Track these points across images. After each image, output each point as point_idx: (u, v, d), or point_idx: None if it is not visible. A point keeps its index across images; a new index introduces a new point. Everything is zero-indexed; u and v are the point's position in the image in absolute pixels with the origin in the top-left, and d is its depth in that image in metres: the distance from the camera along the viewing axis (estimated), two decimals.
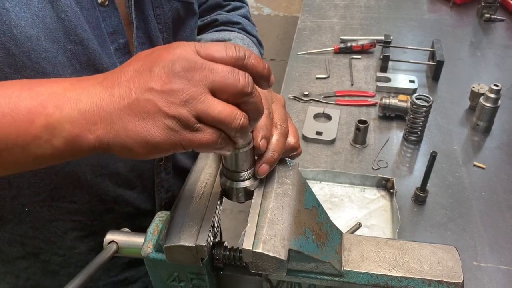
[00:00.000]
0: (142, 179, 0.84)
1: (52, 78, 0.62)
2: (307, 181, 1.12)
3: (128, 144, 0.46)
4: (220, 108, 0.45)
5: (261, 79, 0.49)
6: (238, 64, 0.47)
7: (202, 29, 0.99)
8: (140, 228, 0.75)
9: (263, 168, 0.56)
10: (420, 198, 1.06)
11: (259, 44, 1.03)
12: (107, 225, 0.83)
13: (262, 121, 0.57)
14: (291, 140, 0.63)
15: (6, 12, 0.58)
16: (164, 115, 0.44)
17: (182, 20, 0.83)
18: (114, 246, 0.64)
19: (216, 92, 0.45)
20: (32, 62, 0.61)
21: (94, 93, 0.47)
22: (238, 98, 0.46)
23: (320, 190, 1.10)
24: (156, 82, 0.44)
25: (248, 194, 0.58)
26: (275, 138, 0.59)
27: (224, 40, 0.95)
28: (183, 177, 0.89)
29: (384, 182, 1.09)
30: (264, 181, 0.60)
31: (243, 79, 0.46)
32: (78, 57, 0.65)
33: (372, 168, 1.18)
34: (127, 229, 0.67)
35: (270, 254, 0.51)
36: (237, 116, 0.46)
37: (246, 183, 0.57)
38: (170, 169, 0.89)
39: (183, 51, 0.45)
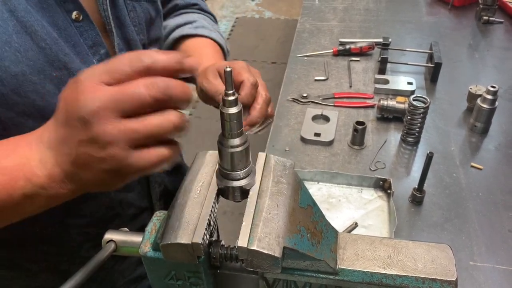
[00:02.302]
0: (139, 180, 0.87)
1: (42, 107, 0.63)
2: (305, 181, 1.13)
3: (93, 187, 0.54)
4: (145, 123, 0.48)
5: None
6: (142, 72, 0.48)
7: (165, 16, 1.03)
8: (142, 226, 0.80)
9: (245, 129, 0.65)
10: (417, 198, 1.07)
11: (215, 19, 1.10)
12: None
13: (250, 90, 0.75)
14: (270, 109, 0.81)
15: None
16: (99, 160, 0.48)
17: (152, 20, 0.85)
18: (112, 245, 0.65)
19: (130, 115, 0.47)
20: (22, 97, 0.62)
21: (49, 157, 0.51)
22: (153, 106, 0.48)
23: (318, 190, 1.11)
24: (80, 134, 0.47)
25: (244, 193, 0.59)
26: (259, 105, 0.76)
27: (189, 22, 1.01)
28: (175, 170, 0.99)
29: (381, 182, 1.10)
30: (260, 180, 0.61)
31: (142, 91, 0.46)
32: (65, 81, 0.61)
33: (370, 169, 1.19)
34: (126, 228, 0.68)
35: (265, 251, 0.52)
36: (163, 121, 0.48)
37: (242, 182, 0.58)
38: None
39: (87, 93, 0.46)
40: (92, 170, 0.49)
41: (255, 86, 0.79)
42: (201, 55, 0.96)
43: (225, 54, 1.03)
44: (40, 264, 0.86)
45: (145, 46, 0.83)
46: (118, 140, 0.47)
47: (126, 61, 0.47)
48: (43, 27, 0.62)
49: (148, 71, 0.47)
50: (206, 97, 0.85)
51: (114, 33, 0.74)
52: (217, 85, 0.82)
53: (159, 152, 0.50)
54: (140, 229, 0.77)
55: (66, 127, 0.48)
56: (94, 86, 0.46)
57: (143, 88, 0.46)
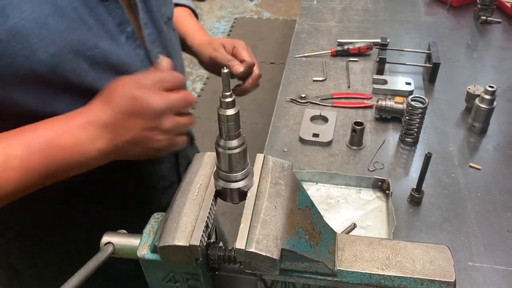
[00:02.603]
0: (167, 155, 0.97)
1: (77, 85, 0.69)
2: (304, 182, 1.13)
3: (137, 158, 0.71)
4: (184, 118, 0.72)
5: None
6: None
7: None
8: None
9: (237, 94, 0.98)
10: (415, 199, 1.07)
11: None
12: (151, 204, 0.96)
13: (247, 69, 1.00)
14: (257, 71, 1.04)
15: (27, 38, 0.61)
16: (156, 142, 0.69)
17: None
18: (110, 247, 0.65)
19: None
20: (58, 76, 0.66)
21: (103, 136, 0.66)
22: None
23: (317, 191, 1.11)
24: (148, 123, 0.67)
25: (242, 195, 0.59)
26: (253, 81, 1.03)
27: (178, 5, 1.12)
28: (192, 143, 1.15)
29: (380, 183, 1.10)
30: (258, 181, 0.61)
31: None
32: (97, 60, 0.70)
33: (368, 169, 1.19)
34: (124, 231, 0.68)
35: (263, 253, 0.52)
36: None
37: (240, 184, 0.58)
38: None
39: (156, 96, 0.67)
40: (144, 148, 0.68)
41: (252, 65, 1.02)
42: (186, 27, 1.11)
43: (196, 15, 1.18)
44: (79, 244, 0.87)
45: (165, 21, 0.88)
46: (173, 129, 0.69)
47: (168, 77, 0.71)
48: (75, 8, 0.66)
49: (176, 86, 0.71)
50: (214, 65, 1.03)
51: (139, 7, 0.77)
52: (225, 54, 1.02)
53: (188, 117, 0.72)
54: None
55: (133, 116, 0.66)
56: (158, 92, 0.68)
57: (183, 95, 0.70)
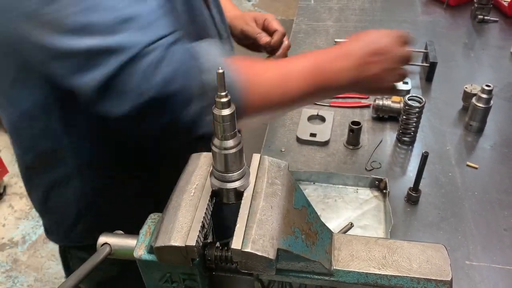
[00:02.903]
0: None
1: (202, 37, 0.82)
2: (301, 182, 1.13)
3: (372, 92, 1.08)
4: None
5: None
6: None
7: None
8: None
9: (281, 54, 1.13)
10: (412, 198, 1.07)
11: None
12: None
13: (280, 38, 1.11)
14: (287, 42, 1.14)
15: None
16: (390, 73, 0.87)
17: None
18: (107, 248, 0.65)
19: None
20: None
21: (355, 71, 0.84)
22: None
23: (314, 191, 1.11)
24: (390, 64, 0.86)
25: (238, 195, 0.59)
26: (283, 50, 1.13)
27: None
28: None
29: (377, 182, 1.10)
30: (254, 181, 0.61)
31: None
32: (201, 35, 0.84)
33: (366, 169, 1.19)
34: (121, 231, 0.68)
35: (259, 253, 0.52)
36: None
37: (236, 184, 0.58)
38: None
39: (398, 48, 0.87)
40: (378, 84, 0.87)
41: (283, 35, 1.13)
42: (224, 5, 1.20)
43: None
44: (160, 180, 0.89)
45: None
46: (401, 76, 0.89)
47: (404, 35, 0.89)
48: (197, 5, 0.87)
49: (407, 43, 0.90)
50: (245, 38, 1.14)
51: None
52: (255, 28, 1.13)
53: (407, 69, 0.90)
54: None
55: (379, 57, 0.84)
56: (399, 44, 0.87)
57: (411, 52, 0.89)
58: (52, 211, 1.00)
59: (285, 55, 1.14)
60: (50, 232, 1.05)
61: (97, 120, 0.78)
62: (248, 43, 1.15)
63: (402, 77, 0.90)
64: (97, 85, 0.66)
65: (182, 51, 0.70)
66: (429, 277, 0.59)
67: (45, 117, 0.82)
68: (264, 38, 1.12)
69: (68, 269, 1.12)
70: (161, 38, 0.68)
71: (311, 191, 1.11)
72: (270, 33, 1.14)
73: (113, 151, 0.89)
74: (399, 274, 0.59)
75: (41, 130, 0.85)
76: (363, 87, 0.90)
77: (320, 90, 0.83)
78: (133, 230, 0.94)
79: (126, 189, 0.95)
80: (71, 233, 1.01)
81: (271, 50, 1.13)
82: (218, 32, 0.97)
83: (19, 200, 2.85)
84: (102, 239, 0.65)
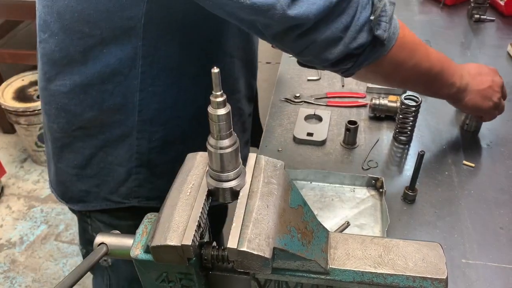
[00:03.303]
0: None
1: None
2: (298, 181, 1.13)
3: (473, 110, 1.19)
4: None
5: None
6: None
7: None
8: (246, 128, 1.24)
9: None
10: (409, 197, 1.08)
11: None
12: (243, 112, 1.17)
13: None
14: None
15: None
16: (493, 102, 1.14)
17: None
18: (104, 248, 0.65)
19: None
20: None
21: (466, 89, 1.10)
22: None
23: (311, 190, 1.11)
24: (495, 96, 1.15)
25: (234, 194, 0.59)
26: None
27: None
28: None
29: (373, 181, 1.10)
30: (250, 181, 0.61)
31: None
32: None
33: (362, 168, 1.19)
34: (117, 231, 0.68)
35: (255, 252, 0.52)
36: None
37: (232, 183, 0.58)
38: None
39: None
40: (480, 103, 1.14)
41: None
42: None
43: None
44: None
45: None
46: (498, 104, 1.16)
47: (504, 87, 1.18)
48: None
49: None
50: None
51: None
52: None
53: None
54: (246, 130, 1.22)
55: (487, 89, 1.13)
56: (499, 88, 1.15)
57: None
58: (93, 174, 1.02)
59: None
60: (82, 200, 1.07)
61: (173, 75, 0.91)
62: None
63: (487, 118, 1.22)
64: None
65: None
66: (425, 275, 0.59)
67: (127, 72, 0.89)
68: None
69: (86, 234, 1.14)
70: None
71: (307, 190, 1.11)
72: None
73: (175, 108, 0.96)
74: (395, 273, 0.59)
75: (115, 86, 0.91)
76: (459, 105, 1.15)
77: (431, 84, 1.01)
78: None
79: (179, 147, 1.01)
80: (113, 195, 1.04)
81: None
82: None
83: (17, 200, 2.84)
84: (98, 239, 0.66)
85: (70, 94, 0.94)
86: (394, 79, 1.00)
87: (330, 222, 1.02)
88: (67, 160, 1.03)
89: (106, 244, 0.65)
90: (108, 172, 1.01)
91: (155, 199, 1.05)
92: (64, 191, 1.08)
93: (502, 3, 1.92)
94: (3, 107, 2.81)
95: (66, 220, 2.70)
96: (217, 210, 1.13)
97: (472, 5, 1.89)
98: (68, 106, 0.95)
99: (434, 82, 1.01)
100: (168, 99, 0.94)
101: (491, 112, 1.17)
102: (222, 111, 0.52)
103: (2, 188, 2.89)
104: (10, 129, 3.24)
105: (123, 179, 1.02)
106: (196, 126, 1.00)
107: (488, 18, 1.90)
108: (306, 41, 0.79)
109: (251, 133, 1.28)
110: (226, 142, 0.55)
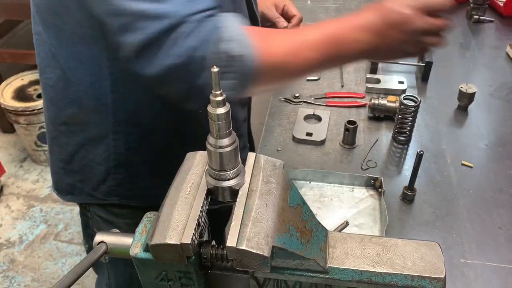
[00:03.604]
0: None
1: None
2: (297, 181, 1.14)
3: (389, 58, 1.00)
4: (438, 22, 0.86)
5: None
6: None
7: None
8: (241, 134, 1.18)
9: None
10: (408, 197, 1.08)
11: None
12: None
13: (297, 23, 1.26)
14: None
15: None
16: (405, 52, 0.88)
17: None
18: (103, 247, 0.66)
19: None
20: None
21: (374, 39, 0.82)
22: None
23: (310, 190, 1.12)
24: (415, 30, 0.82)
25: (234, 193, 0.59)
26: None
27: None
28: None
29: (372, 181, 1.11)
30: (250, 180, 0.61)
31: None
32: None
33: (361, 168, 1.20)
34: (117, 230, 0.68)
35: (254, 251, 0.53)
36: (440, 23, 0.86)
37: (231, 182, 0.59)
38: None
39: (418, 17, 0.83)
40: (394, 54, 0.89)
41: (301, 20, 1.26)
42: None
43: None
44: (189, 147, 0.95)
45: None
46: (424, 45, 0.86)
47: (434, 4, 0.83)
48: None
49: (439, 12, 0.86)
50: (264, 20, 1.21)
51: None
52: (275, 12, 1.24)
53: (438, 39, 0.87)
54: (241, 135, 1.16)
55: (397, 29, 0.81)
56: (423, 14, 0.82)
57: (440, 23, 0.85)
58: (77, 170, 1.04)
59: None
60: (70, 193, 1.09)
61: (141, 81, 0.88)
62: (267, 25, 1.25)
63: (427, 48, 0.90)
64: (136, 46, 0.73)
65: (211, 24, 0.75)
66: (423, 274, 0.59)
67: (97, 71, 0.89)
68: (282, 23, 1.22)
69: (87, 229, 1.17)
70: (199, 12, 0.73)
71: (307, 190, 1.12)
72: (289, 17, 1.25)
73: (151, 111, 0.95)
74: (393, 272, 0.60)
75: (91, 85, 0.91)
76: (379, 57, 0.98)
77: (333, 60, 0.86)
78: (158, 189, 0.96)
79: (157, 148, 1.01)
80: (95, 192, 1.05)
81: None
82: (255, 14, 1.05)
83: (16, 200, 2.84)
84: (98, 237, 0.66)
85: (55, 88, 0.96)
86: (287, 79, 0.92)
87: (329, 221, 1.03)
88: (56, 153, 1.06)
89: (105, 242, 0.65)
90: (90, 169, 1.03)
91: (135, 198, 1.06)
92: (56, 181, 1.11)
93: (501, 4, 1.93)
94: (2, 106, 2.80)
95: (66, 219, 2.70)
96: (220, 212, 1.13)
97: (472, 5, 1.90)
98: (55, 100, 0.98)
99: (328, 64, 0.89)
100: (143, 101, 0.93)
101: (421, 40, 0.86)
102: (221, 110, 0.52)
103: (2, 187, 2.89)
104: (9, 129, 3.23)
105: (103, 178, 1.03)
106: (174, 127, 0.99)
107: (487, 19, 1.90)
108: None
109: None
110: (225, 141, 0.55)
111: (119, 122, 0.95)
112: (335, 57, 0.84)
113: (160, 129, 0.99)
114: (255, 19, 1.06)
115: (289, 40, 0.84)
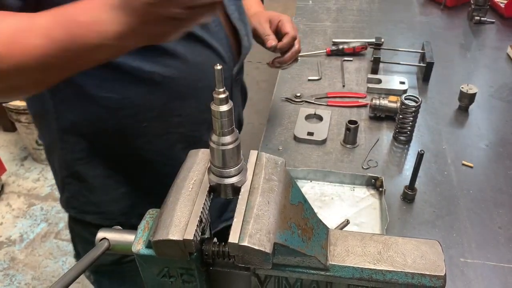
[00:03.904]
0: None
1: None
2: (298, 180, 1.14)
3: (159, 39, 0.66)
4: None
5: None
6: None
7: None
8: None
9: (274, 65, 1.18)
10: (408, 196, 1.08)
11: None
12: (202, 135, 0.98)
13: (289, 41, 1.15)
14: (297, 45, 1.19)
15: None
16: (167, 16, 0.60)
17: None
18: (105, 243, 0.66)
19: None
20: None
21: (119, 16, 0.61)
22: None
23: (311, 189, 1.12)
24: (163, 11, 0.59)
25: (236, 190, 0.60)
26: (291, 54, 1.17)
27: None
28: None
29: (373, 180, 1.11)
30: (252, 177, 0.61)
31: None
32: None
33: (362, 167, 1.20)
34: (119, 227, 0.69)
35: (256, 247, 0.53)
36: None
37: (233, 180, 0.59)
38: (238, 93, 1.10)
39: None
40: (157, 24, 0.61)
41: (294, 38, 1.15)
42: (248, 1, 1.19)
43: None
44: (136, 159, 0.95)
45: None
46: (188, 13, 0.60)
47: None
48: None
49: None
50: (256, 36, 1.13)
51: None
52: (265, 28, 1.14)
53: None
54: None
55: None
56: None
57: None
58: (53, 175, 1.04)
59: (294, 59, 1.17)
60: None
61: (76, 87, 0.84)
62: (259, 40, 1.17)
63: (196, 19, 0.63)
64: None
65: None
66: (423, 272, 0.59)
67: None
68: (270, 42, 1.12)
69: (74, 243, 1.16)
70: None
71: (308, 189, 1.12)
72: (282, 35, 1.15)
73: (94, 120, 0.89)
74: (394, 269, 0.60)
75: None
76: (143, 41, 0.66)
77: (74, 50, 0.64)
78: (112, 207, 0.97)
79: (112, 163, 0.96)
80: (61, 200, 1.05)
81: (282, 52, 1.16)
82: (235, 27, 0.97)
83: (17, 198, 2.85)
84: (100, 234, 0.66)
85: None
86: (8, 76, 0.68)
87: (329, 220, 1.03)
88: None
89: (107, 239, 0.66)
90: (55, 175, 1.02)
91: (91, 213, 1.02)
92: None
93: (502, 5, 1.93)
94: (4, 105, 2.81)
95: (66, 218, 2.70)
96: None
97: (473, 7, 1.90)
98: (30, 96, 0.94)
99: (78, 50, 0.65)
100: (84, 111, 0.88)
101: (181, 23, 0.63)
102: (224, 108, 0.53)
103: (2, 186, 2.89)
104: (10, 128, 3.24)
105: (61, 187, 1.02)
106: (123, 142, 0.93)
107: (488, 20, 1.91)
108: None
109: None
110: (228, 139, 0.55)
111: (64, 130, 0.91)
112: (81, 47, 0.64)
113: (109, 143, 0.92)
114: (235, 31, 0.98)
115: (11, 24, 0.64)
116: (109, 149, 0.94)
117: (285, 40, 1.14)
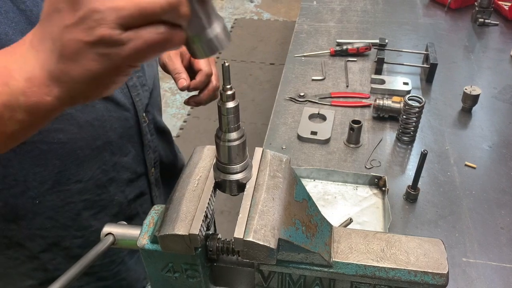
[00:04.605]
0: (132, 144, 0.91)
1: None
2: (301, 179, 1.14)
3: (82, 90, 0.46)
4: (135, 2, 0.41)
5: None
6: None
7: None
8: (140, 193, 0.94)
9: (192, 104, 0.98)
10: (411, 196, 1.09)
11: None
12: (113, 196, 0.90)
13: (204, 79, 0.94)
14: (215, 82, 0.98)
15: None
16: (89, 45, 0.42)
17: None
18: (111, 238, 0.66)
19: None
20: None
21: (31, 58, 0.45)
22: None
23: (314, 188, 1.13)
24: (66, 18, 0.42)
25: (241, 187, 0.60)
26: (209, 91, 0.97)
27: None
28: (164, 138, 1.06)
29: (376, 180, 1.11)
30: (257, 174, 0.62)
31: None
32: None
33: (365, 167, 1.20)
34: (124, 222, 0.69)
35: (260, 242, 0.54)
36: None
37: (238, 176, 0.60)
38: (153, 131, 0.98)
39: None
40: (81, 60, 0.43)
41: (208, 76, 0.97)
42: None
43: None
44: (39, 241, 0.86)
45: None
46: (106, 18, 0.41)
47: None
48: None
49: None
50: (167, 72, 0.97)
51: None
52: (175, 64, 0.94)
53: (155, 30, 0.42)
54: (139, 195, 0.96)
55: (50, 16, 0.44)
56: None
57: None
58: None
59: (212, 96, 0.99)
60: None
61: None
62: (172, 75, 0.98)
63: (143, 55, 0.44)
64: None
65: None
66: (426, 270, 0.60)
67: None
68: (181, 81, 0.92)
69: None
70: None
71: (311, 188, 1.12)
72: (195, 72, 0.96)
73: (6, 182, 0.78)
74: (397, 267, 0.61)
75: None
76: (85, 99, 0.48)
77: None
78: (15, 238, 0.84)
79: (17, 227, 0.84)
80: None
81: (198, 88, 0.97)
82: None
83: None
84: (106, 229, 0.67)
85: None
86: None
87: (332, 219, 1.03)
88: None
89: (113, 234, 0.66)
90: None
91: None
92: None
93: (506, 7, 1.93)
94: None
95: None
96: None
97: (477, 9, 1.90)
98: None
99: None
100: None
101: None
102: (231, 104, 0.53)
103: None
104: None
105: None
106: (15, 227, 0.83)
107: (492, 22, 1.91)
108: None
109: None
110: (234, 135, 0.56)
111: None
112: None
113: (2, 229, 0.83)
114: None
115: None
116: (3, 237, 0.83)
117: (198, 78, 0.95)
